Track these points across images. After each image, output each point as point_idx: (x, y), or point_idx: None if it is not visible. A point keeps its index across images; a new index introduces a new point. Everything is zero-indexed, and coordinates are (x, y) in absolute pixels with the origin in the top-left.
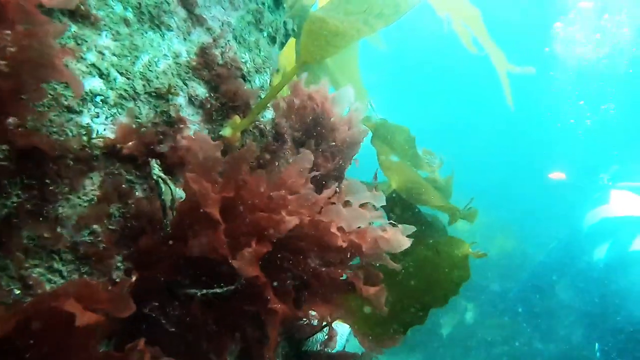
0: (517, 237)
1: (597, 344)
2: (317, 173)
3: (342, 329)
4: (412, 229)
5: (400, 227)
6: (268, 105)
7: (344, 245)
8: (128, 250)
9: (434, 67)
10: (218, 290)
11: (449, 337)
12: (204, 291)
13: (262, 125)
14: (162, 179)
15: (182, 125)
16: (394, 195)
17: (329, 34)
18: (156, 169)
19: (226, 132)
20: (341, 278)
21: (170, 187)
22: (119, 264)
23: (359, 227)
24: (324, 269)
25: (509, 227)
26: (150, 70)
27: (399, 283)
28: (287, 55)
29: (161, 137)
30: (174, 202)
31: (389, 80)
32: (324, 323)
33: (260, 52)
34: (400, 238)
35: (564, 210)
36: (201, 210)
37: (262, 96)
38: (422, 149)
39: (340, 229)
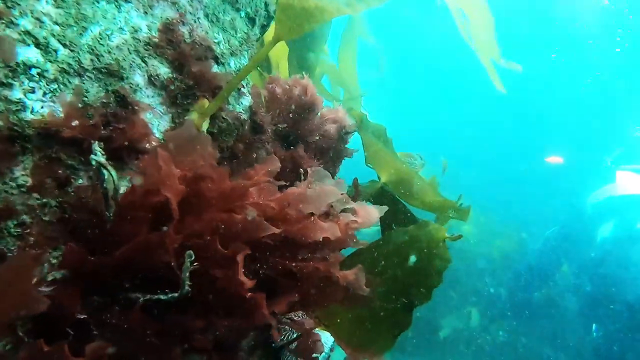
0: (517, 234)
1: (594, 325)
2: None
3: (325, 337)
4: (384, 208)
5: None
6: (245, 92)
7: (318, 238)
8: (65, 245)
9: (422, 59)
10: (162, 297)
11: (450, 340)
12: (148, 296)
13: (237, 113)
14: (102, 164)
15: (137, 107)
16: (382, 191)
17: (307, 9)
18: (98, 154)
19: (192, 117)
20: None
21: (112, 175)
22: (53, 261)
23: (329, 216)
24: (294, 264)
25: (509, 225)
26: (101, 44)
27: (379, 274)
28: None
29: (111, 118)
30: (117, 192)
31: (380, 75)
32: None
33: (236, 33)
34: (369, 211)
35: (563, 194)
36: (154, 200)
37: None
38: (397, 153)
39: (312, 222)
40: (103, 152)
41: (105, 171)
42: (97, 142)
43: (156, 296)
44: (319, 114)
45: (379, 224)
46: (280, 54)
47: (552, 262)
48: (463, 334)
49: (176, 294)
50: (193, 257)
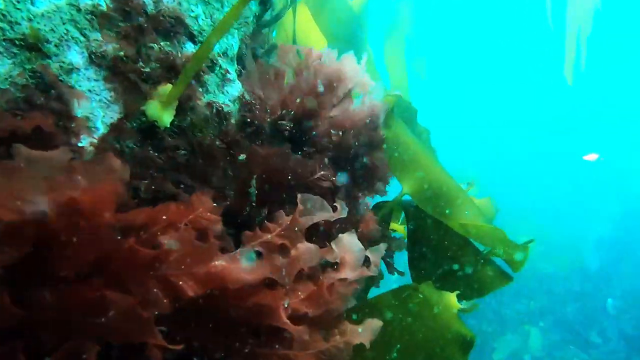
0: (573, 241)
1: None
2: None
3: None
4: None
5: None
6: (231, 78)
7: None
8: None
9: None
10: None
11: None
12: None
13: (218, 103)
14: None
15: (62, 92)
16: (407, 204)
17: None
18: None
19: (150, 108)
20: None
21: None
22: None
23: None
24: (246, 351)
25: (563, 234)
26: (17, 9)
27: None
28: (305, 25)
29: (23, 105)
30: None
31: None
32: None
33: (223, 7)
34: (352, 245)
35: (609, 192)
36: None
37: (222, 65)
38: None
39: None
40: None
41: None
42: None
43: None
44: (347, 100)
45: (407, 235)
46: (306, 24)
47: (617, 265)
48: (521, 358)
49: None
50: None
